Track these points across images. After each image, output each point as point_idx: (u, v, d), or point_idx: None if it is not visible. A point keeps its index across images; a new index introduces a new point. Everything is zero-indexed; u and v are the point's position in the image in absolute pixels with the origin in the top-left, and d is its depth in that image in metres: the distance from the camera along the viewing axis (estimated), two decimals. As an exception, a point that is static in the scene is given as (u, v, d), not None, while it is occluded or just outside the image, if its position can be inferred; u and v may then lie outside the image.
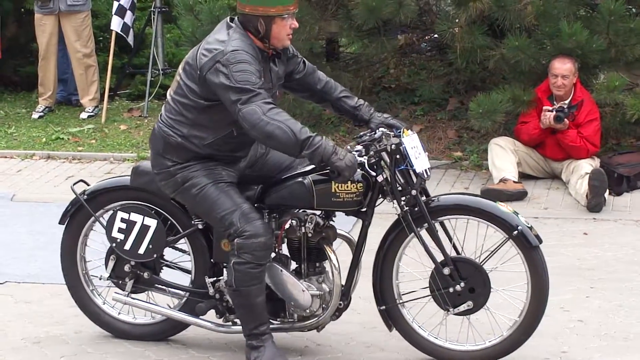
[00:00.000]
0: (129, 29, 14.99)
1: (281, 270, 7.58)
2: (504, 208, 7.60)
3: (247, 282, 7.24)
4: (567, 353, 8.04)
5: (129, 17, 14.86)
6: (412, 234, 7.47)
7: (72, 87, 15.47)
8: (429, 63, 14.72)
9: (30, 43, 15.43)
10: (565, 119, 12.17)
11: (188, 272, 8.05)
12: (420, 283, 7.75)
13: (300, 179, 7.41)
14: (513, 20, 12.71)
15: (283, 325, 7.78)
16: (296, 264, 7.77)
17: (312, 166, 7.31)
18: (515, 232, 7.29)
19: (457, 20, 12.95)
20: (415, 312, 7.78)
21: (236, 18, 7.33)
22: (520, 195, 12.01)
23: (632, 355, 8.08)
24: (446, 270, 7.42)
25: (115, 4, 14.74)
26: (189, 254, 7.98)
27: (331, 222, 7.66)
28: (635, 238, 11.00)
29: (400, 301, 7.72)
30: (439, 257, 7.44)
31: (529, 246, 7.35)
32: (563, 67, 12.24)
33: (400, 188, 7.31)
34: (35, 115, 15.20)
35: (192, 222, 7.77)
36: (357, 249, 7.67)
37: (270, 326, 7.59)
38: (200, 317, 7.90)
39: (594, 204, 11.77)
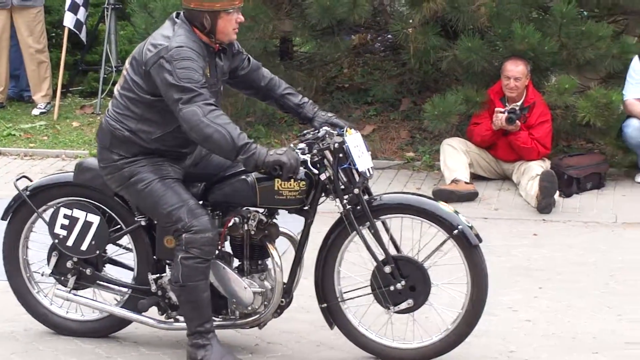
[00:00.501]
0: (81, 26, 15.02)
1: (224, 268, 7.61)
2: (445, 207, 7.72)
3: (194, 278, 7.24)
4: (515, 352, 8.10)
5: (82, 13, 14.88)
6: (354, 232, 7.53)
7: (24, 83, 15.50)
8: (382, 63, 14.78)
9: (-16, 39, 15.40)
10: (517, 121, 12.25)
11: (131, 269, 8.04)
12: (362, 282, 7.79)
13: (243, 177, 7.45)
14: (466, 21, 12.77)
15: (225, 322, 7.76)
16: (239, 261, 7.80)
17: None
18: (456, 231, 7.40)
19: (410, 21, 13.02)
20: (356, 311, 7.87)
21: (182, 13, 7.34)
22: (471, 196, 12.08)
23: (580, 355, 8.16)
24: (387, 269, 7.50)
25: (68, 0, 14.74)
26: (131, 251, 7.97)
27: (274, 220, 7.71)
28: (584, 239, 11.10)
29: (342, 299, 7.78)
30: (381, 256, 7.51)
31: (468, 245, 7.46)
32: (515, 69, 12.33)
33: (342, 187, 7.38)
34: (-13, 112, 15.17)
35: (135, 218, 7.77)
36: (300, 247, 7.74)
37: (214, 324, 7.58)
38: (143, 313, 7.89)
39: (544, 205, 11.88)
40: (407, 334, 7.89)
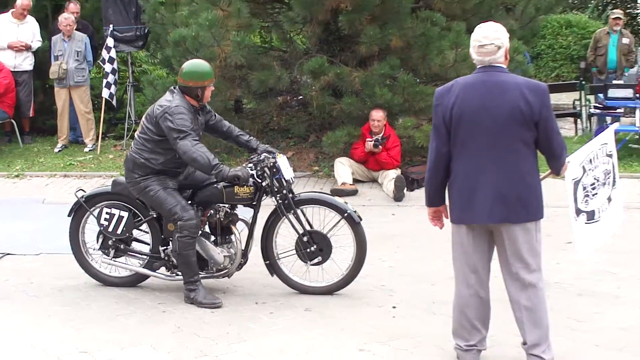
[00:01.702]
0: (113, 96, 14.95)
1: (205, 241, 8.04)
2: (339, 200, 8.33)
3: (186, 248, 7.73)
4: (385, 285, 8.28)
5: (113, 88, 14.84)
6: (284, 217, 8.05)
7: (78, 132, 15.36)
8: (297, 113, 14.71)
9: (52, 106, 15.27)
10: (380, 146, 12.26)
11: (147, 244, 8.37)
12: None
13: (215, 185, 7.96)
14: (347, 86, 12.75)
15: (207, 275, 8.14)
16: (214, 237, 8.18)
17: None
18: (346, 214, 7.92)
19: (313, 87, 12.95)
20: (287, 264, 8.24)
21: (176, 87, 7.83)
22: (353, 193, 12.04)
23: (420, 284, 8.33)
24: (305, 238, 8.03)
25: (104, 81, 14.73)
26: (147, 233, 8.33)
27: (235, 211, 8.15)
28: (423, 218, 11.07)
29: (278, 257, 8.18)
30: (301, 231, 7.98)
31: (354, 223, 7.96)
32: (378, 115, 12.29)
33: (276, 189, 7.89)
34: (56, 150, 15.09)
35: (150, 213, 8.11)
36: (251, 227, 8.19)
37: (200, 276, 7.99)
38: (156, 271, 8.26)
39: (398, 197, 11.90)
40: (318, 277, 8.14)
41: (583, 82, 16.83)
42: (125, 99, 15.58)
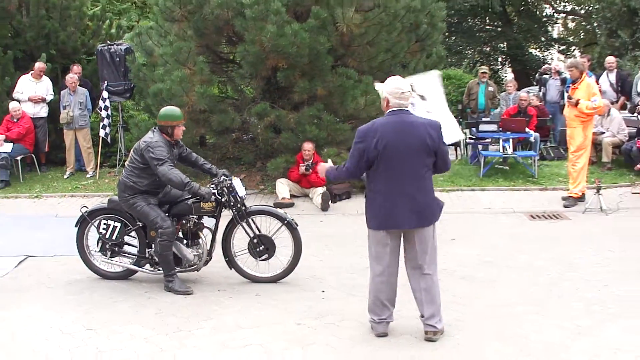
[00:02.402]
0: (108, 135, 14.83)
1: (179, 244, 8.05)
2: (281, 210, 8.36)
3: (165, 250, 7.79)
4: (315, 275, 8.29)
5: (108, 129, 14.71)
6: (239, 224, 8.06)
7: (82, 162, 15.20)
8: (247, 146, 14.63)
9: (62, 143, 15.14)
10: (310, 170, 12.19)
11: (135, 247, 8.32)
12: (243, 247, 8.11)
13: (187, 201, 8.00)
14: (284, 125, 12.72)
15: (181, 269, 8.12)
16: (186, 240, 8.18)
17: (192, 197, 7.91)
18: (286, 221, 8.01)
19: (259, 126, 12.90)
20: (241, 260, 8.22)
21: (156, 127, 7.93)
22: (291, 205, 11.93)
23: (343, 273, 8.28)
24: (255, 240, 8.08)
25: (101, 124, 14.63)
26: (135, 238, 8.27)
27: (201, 221, 8.19)
28: (346, 222, 11.13)
29: (235, 255, 8.19)
30: (252, 234, 8.01)
31: (292, 228, 8.02)
32: (308, 146, 12.20)
33: (232, 203, 7.95)
34: (65, 176, 14.92)
35: (137, 223, 8.14)
36: (214, 232, 8.19)
37: (176, 270, 7.98)
38: (142, 267, 8.23)
39: (324, 208, 11.83)
40: (266, 270, 8.12)
41: (460, 120, 16.95)
42: (117, 137, 15.43)
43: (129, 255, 8.35)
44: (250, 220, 8.07)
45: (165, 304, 7.48)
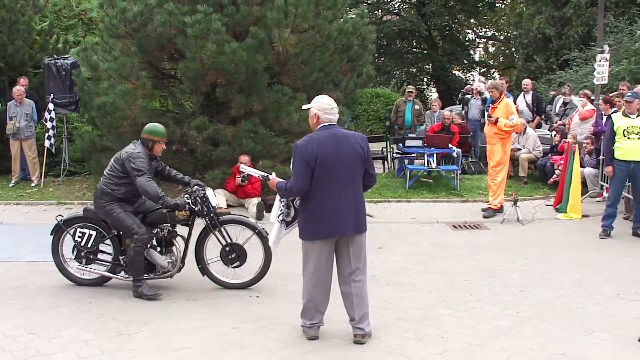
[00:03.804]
0: (52, 146, 14.53)
1: (153, 251, 7.99)
2: (252, 220, 8.60)
3: (138, 255, 7.72)
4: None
5: (52, 140, 14.41)
6: (211, 233, 8.04)
7: (27, 172, 14.91)
8: (187, 157, 14.16)
9: (8, 152, 14.85)
10: (245, 181, 12.17)
11: (110, 254, 8.19)
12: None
13: (161, 210, 7.87)
14: (222, 138, 12.64)
15: (155, 276, 8.06)
16: (159, 248, 8.09)
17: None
18: (257, 230, 8.05)
19: (198, 139, 12.79)
20: (214, 267, 8.20)
21: (140, 140, 7.88)
22: (227, 213, 11.90)
23: (277, 279, 8.23)
24: (227, 248, 8.02)
25: (46, 135, 14.32)
26: (110, 246, 8.15)
27: (175, 229, 8.12)
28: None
29: (207, 262, 8.15)
30: (224, 242, 8.03)
31: (262, 237, 7.97)
32: (244, 159, 12.03)
33: (205, 212, 7.90)
34: (10, 185, 14.61)
35: (112, 231, 8.04)
36: (187, 240, 8.13)
37: (149, 277, 8.02)
38: (117, 274, 8.13)
39: (259, 217, 11.75)
40: (237, 276, 8.11)
41: (388, 136, 17.09)
42: (62, 148, 15.17)
43: (104, 263, 8.19)
44: (222, 228, 8.01)
45: (107, 308, 7.33)
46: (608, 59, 14.46)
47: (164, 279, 8.14)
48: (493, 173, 12.14)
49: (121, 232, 7.99)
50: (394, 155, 16.27)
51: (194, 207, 7.87)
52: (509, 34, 38.35)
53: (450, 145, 14.95)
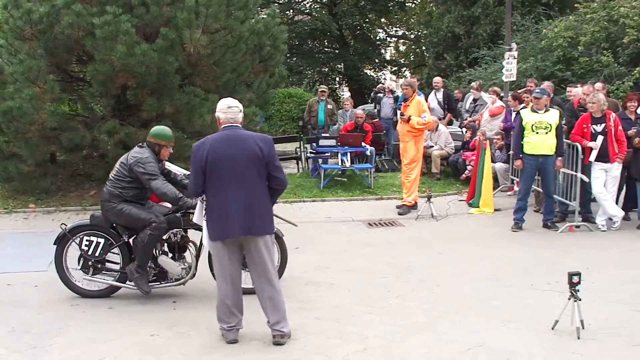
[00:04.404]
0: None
1: (167, 258, 7.79)
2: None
3: (152, 242, 7.51)
4: (169, 288, 7.92)
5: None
6: None
7: None
8: (98, 162, 13.84)
9: None
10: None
11: (117, 263, 7.89)
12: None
13: (176, 214, 7.71)
14: (134, 142, 12.23)
15: (169, 283, 7.87)
16: (171, 254, 7.88)
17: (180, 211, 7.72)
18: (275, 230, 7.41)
19: (109, 143, 12.55)
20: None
21: (145, 143, 7.72)
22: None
23: (194, 284, 8.06)
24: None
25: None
26: (118, 254, 7.89)
27: (187, 234, 7.91)
28: (197, 233, 10.90)
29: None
30: None
31: (278, 237, 7.78)
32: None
33: None
34: None
35: (121, 238, 7.78)
36: (200, 245, 7.81)
37: (162, 284, 7.87)
38: (126, 283, 7.82)
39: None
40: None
41: (302, 135, 17.12)
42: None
43: (111, 272, 7.91)
44: None
45: (18, 322, 7.08)
46: (516, 57, 14.83)
47: (178, 286, 7.97)
48: (407, 170, 12.29)
49: (130, 239, 7.85)
50: (308, 155, 16.32)
51: None
52: (419, 33, 38.84)
53: (363, 144, 15.06)
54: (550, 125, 10.70)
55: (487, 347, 6.15)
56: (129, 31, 11.81)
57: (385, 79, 40.48)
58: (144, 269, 7.64)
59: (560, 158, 10.93)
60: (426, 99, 15.08)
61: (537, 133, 10.73)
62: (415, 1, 39.62)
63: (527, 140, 10.83)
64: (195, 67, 12.89)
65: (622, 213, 11.20)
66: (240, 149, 6.06)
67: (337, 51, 38.33)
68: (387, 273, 8.67)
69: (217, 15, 12.29)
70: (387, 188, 14.22)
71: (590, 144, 10.81)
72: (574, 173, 11.09)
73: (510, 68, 14.56)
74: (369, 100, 23.79)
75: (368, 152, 15.31)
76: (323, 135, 16.10)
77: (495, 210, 12.48)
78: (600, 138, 10.78)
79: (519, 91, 14.27)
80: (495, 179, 13.57)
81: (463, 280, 8.30)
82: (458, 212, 12.52)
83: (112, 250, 7.85)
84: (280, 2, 35.59)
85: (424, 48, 36.92)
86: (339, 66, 39.06)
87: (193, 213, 7.30)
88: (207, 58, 12.69)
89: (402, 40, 43.91)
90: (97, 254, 7.76)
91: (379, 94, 18.93)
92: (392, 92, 18.12)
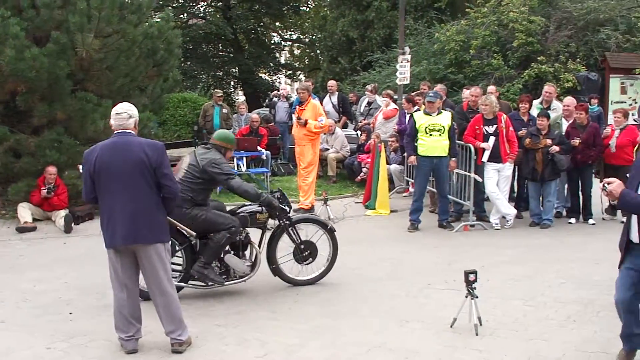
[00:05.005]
0: None
1: (233, 256, 7.91)
2: (321, 217, 9.47)
3: (226, 243, 7.70)
4: (61, 297, 7.77)
5: None
6: (284, 232, 8.22)
7: None
8: None
9: None
10: (52, 193, 11.67)
11: (180, 264, 7.84)
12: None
13: (244, 215, 8.03)
14: (25, 149, 12.19)
15: (236, 280, 7.97)
16: (234, 252, 8.00)
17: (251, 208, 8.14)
18: (328, 227, 8.46)
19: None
20: (285, 267, 8.32)
21: (210, 145, 7.91)
22: (33, 229, 11.41)
23: (90, 294, 7.90)
24: (301, 246, 8.26)
25: None
26: (180, 257, 7.88)
27: (249, 232, 8.15)
28: (90, 243, 10.65)
29: (279, 263, 8.25)
30: (298, 241, 8.24)
31: (332, 232, 8.43)
32: (52, 170, 11.61)
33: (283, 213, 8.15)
34: None
35: (186, 240, 7.78)
36: (260, 242, 8.19)
37: (229, 282, 7.95)
38: (189, 282, 7.84)
39: (67, 229, 11.30)
40: (305, 272, 8.45)
41: (196, 140, 17.04)
42: None
43: (175, 273, 7.75)
44: (294, 228, 8.25)
45: None
46: (409, 60, 15.06)
47: (243, 282, 8.09)
48: (304, 174, 12.35)
49: (193, 241, 7.87)
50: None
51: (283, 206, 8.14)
52: (314, 37, 39.10)
53: (259, 148, 15.10)
54: (443, 127, 10.95)
55: (386, 348, 6.23)
56: (19, 35, 11.56)
57: (280, 82, 40.53)
58: (211, 265, 7.77)
59: (453, 159, 11.21)
60: (321, 103, 15.19)
61: (431, 135, 10.94)
62: (309, 5, 39.88)
63: (421, 143, 11.03)
64: (87, 71, 12.68)
65: (515, 211, 11.57)
66: (127, 156, 5.95)
67: (231, 55, 38.23)
68: (286, 277, 8.69)
69: (110, 19, 12.14)
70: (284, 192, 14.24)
71: (483, 145, 11.11)
72: (467, 173, 11.39)
73: (403, 71, 14.79)
74: (265, 105, 23.84)
75: (264, 156, 15.35)
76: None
77: (392, 211, 12.67)
78: (492, 139, 11.09)
79: (413, 94, 14.53)
80: (391, 180, 13.79)
81: (361, 282, 8.41)
82: (355, 214, 12.65)
83: (175, 252, 7.83)
84: (174, 5, 35.25)
85: (318, 52, 37.13)
86: (234, 70, 38.96)
87: (260, 212, 8.04)
88: (99, 63, 12.53)
89: (296, 44, 44.13)
90: None
91: (275, 99, 18.98)
92: (287, 98, 18.21)
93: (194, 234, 7.52)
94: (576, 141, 11.17)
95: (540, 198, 11.62)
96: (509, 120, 11.30)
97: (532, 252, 9.86)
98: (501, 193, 11.27)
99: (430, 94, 11.44)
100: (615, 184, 5.02)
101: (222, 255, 7.85)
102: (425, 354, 6.10)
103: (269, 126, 16.83)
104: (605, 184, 5.08)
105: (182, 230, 7.52)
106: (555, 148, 11.01)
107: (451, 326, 6.66)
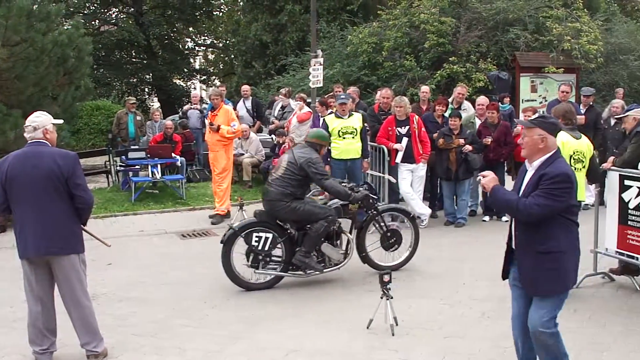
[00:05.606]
0: None
1: (329, 245, 8.41)
2: (403, 206, 9.91)
3: (324, 231, 8.19)
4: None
5: None
6: (373, 221, 8.80)
7: None
8: None
9: None
10: None
11: (279, 256, 8.33)
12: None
13: (337, 206, 8.54)
14: None
15: (331, 268, 8.45)
16: (327, 241, 8.43)
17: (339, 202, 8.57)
18: (411, 215, 9.25)
19: None
20: (373, 254, 8.84)
21: (306, 143, 8.57)
22: None
23: (15, 311, 7.69)
24: (388, 234, 8.81)
25: None
26: (280, 249, 8.36)
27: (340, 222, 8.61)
28: (2, 256, 10.47)
29: (368, 251, 8.78)
30: (385, 229, 8.80)
31: (414, 220, 9.19)
32: None
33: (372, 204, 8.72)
34: None
35: (286, 232, 8.32)
36: (351, 232, 8.65)
37: (327, 269, 8.43)
38: (288, 272, 8.35)
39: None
40: (391, 258, 8.97)
41: (111, 148, 16.81)
42: None
43: (275, 264, 8.36)
44: (381, 217, 8.76)
45: None
46: (322, 63, 15.16)
47: (337, 270, 8.53)
48: (219, 180, 12.28)
49: (294, 233, 8.35)
50: (118, 168, 16.01)
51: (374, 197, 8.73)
52: (227, 42, 39.02)
53: (173, 155, 14.98)
54: (355, 129, 11.06)
55: (304, 351, 6.29)
56: None
57: (195, 88, 40.36)
58: (310, 253, 8.24)
59: (366, 160, 11.34)
60: (235, 108, 15.18)
61: (344, 138, 11.04)
62: (222, 10, 39.76)
63: (334, 146, 11.09)
64: (-5, 81, 12.37)
65: (429, 211, 11.74)
66: (37, 167, 5.85)
67: (145, 61, 37.88)
68: (202, 284, 8.65)
69: (17, 28, 11.87)
70: (200, 198, 14.19)
71: (396, 146, 11.26)
72: (381, 175, 11.53)
73: (316, 74, 14.88)
74: (179, 111, 23.66)
75: (179, 163, 15.24)
76: (132, 147, 15.85)
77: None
78: (405, 140, 11.25)
79: (326, 96, 14.61)
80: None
81: (278, 285, 8.44)
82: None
83: (277, 244, 8.31)
84: (85, 12, 34.72)
85: (232, 56, 37.07)
86: (148, 77, 38.62)
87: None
88: (8, 72, 12.23)
89: (210, 49, 43.95)
90: (266, 248, 8.25)
91: (188, 105, 18.88)
92: (200, 103, 18.16)
93: (109, 244, 7.37)
94: (488, 140, 11.43)
95: (454, 197, 11.84)
96: (421, 121, 11.47)
97: (447, 250, 10.07)
98: (415, 193, 11.43)
99: (342, 96, 11.55)
100: (489, 178, 5.03)
101: (319, 245, 8.31)
102: (342, 356, 6.18)
103: (184, 132, 16.72)
104: (480, 177, 5.09)
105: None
106: (468, 147, 11.24)
107: (368, 327, 6.76)
